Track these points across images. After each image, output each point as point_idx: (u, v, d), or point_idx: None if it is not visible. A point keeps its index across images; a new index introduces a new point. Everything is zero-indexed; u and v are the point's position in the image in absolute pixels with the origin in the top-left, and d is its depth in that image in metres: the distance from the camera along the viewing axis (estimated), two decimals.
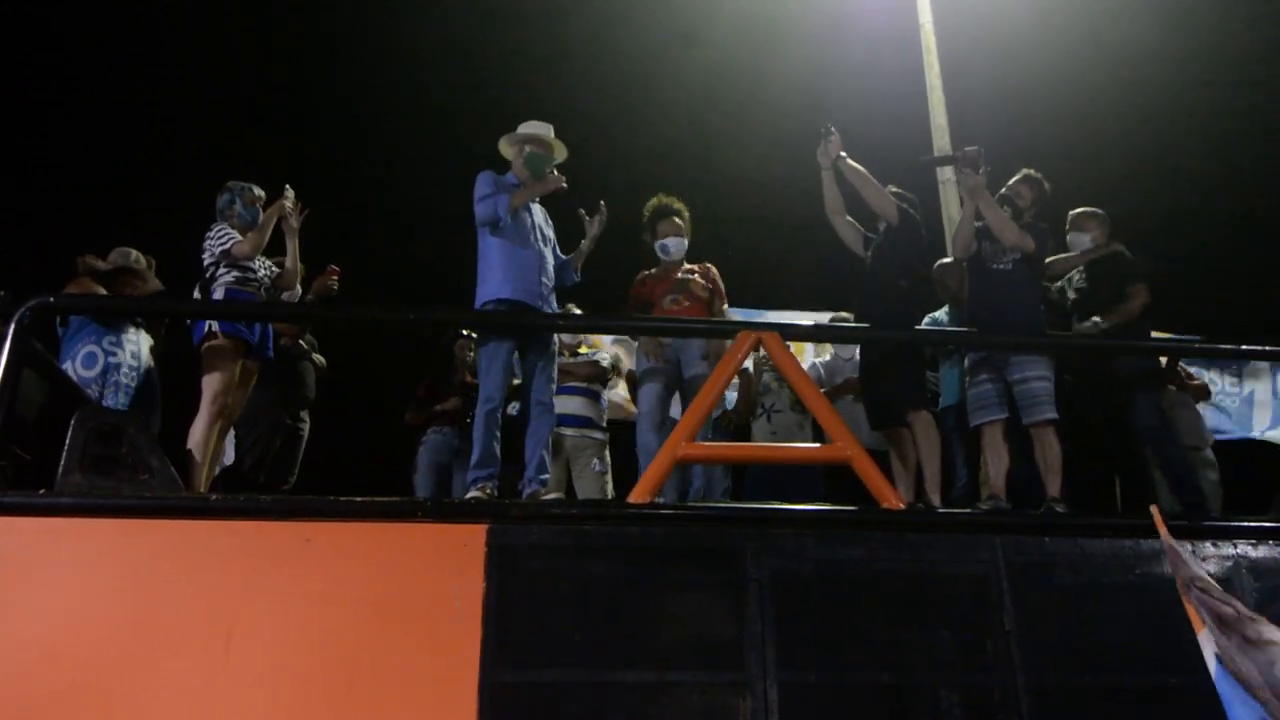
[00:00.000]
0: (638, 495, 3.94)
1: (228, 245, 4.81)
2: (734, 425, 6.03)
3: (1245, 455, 7.25)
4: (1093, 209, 5.28)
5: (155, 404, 4.88)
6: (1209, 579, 3.03)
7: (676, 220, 5.37)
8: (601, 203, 5.03)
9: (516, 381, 4.96)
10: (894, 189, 5.08)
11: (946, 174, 7.44)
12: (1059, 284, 5.34)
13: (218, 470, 5.04)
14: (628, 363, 6.66)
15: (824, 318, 6.24)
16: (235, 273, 4.81)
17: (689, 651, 3.50)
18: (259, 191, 5.02)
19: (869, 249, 5.06)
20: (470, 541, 3.49)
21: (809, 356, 6.92)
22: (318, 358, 5.77)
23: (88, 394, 4.46)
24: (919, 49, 8.42)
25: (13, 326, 3.65)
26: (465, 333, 6.13)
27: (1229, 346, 5.48)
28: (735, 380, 5.74)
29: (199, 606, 3.28)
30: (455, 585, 3.41)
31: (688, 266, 5.39)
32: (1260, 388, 7.66)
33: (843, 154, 4.93)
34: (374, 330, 9.35)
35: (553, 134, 4.94)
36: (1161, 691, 3.53)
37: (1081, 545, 3.80)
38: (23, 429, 3.78)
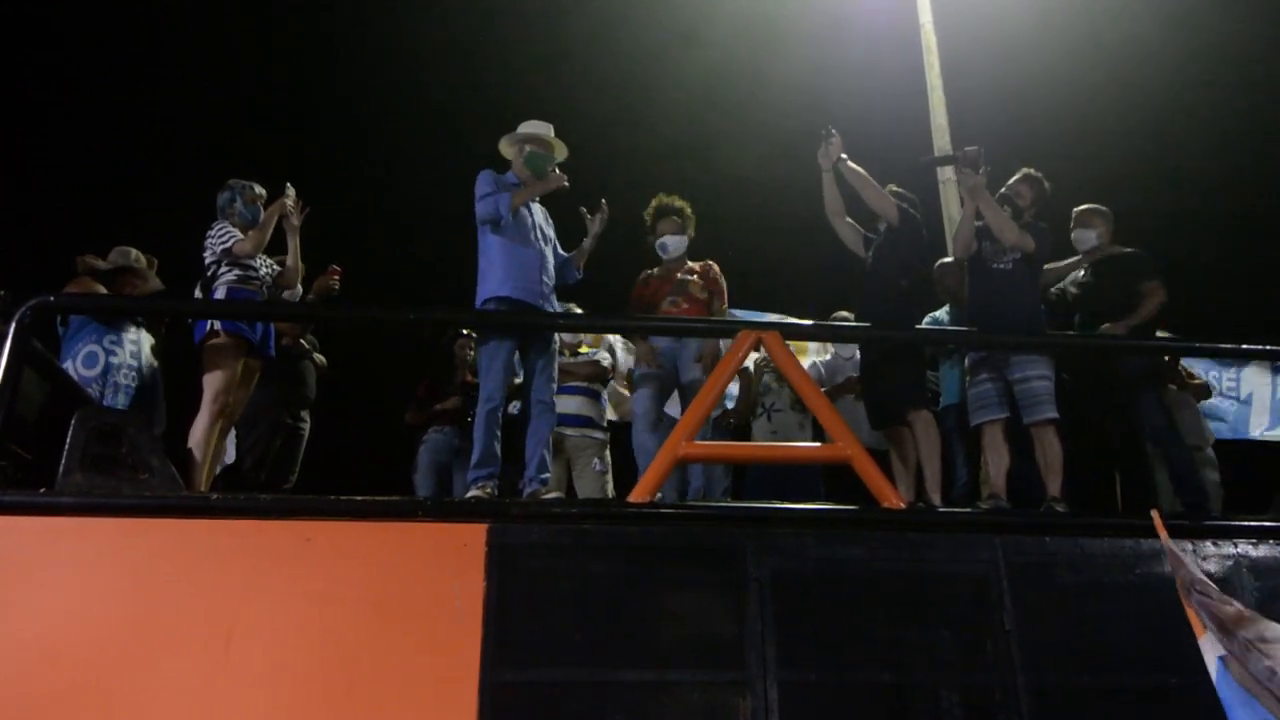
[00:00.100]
0: (638, 494, 3.94)
1: (229, 244, 4.81)
2: (734, 424, 6.04)
3: (1245, 455, 7.24)
4: (1097, 206, 5.26)
5: (158, 403, 4.88)
6: (1209, 582, 3.03)
7: (675, 219, 5.38)
8: (603, 200, 5.03)
9: (517, 380, 4.96)
10: (894, 188, 5.09)
11: (947, 174, 7.44)
12: (1057, 287, 5.34)
13: (218, 469, 5.04)
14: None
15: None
16: (237, 271, 4.81)
17: (689, 651, 3.50)
18: (260, 190, 5.02)
19: (869, 249, 5.06)
20: (471, 541, 3.49)
21: (810, 356, 6.91)
22: (319, 357, 5.78)
23: (88, 393, 4.46)
24: (919, 49, 8.42)
25: (13, 326, 3.65)
26: (465, 332, 6.13)
27: (1229, 346, 5.47)
28: (735, 379, 5.75)
29: (199, 606, 3.28)
30: (456, 584, 3.41)
31: (689, 266, 5.40)
32: (1259, 389, 7.65)
33: (843, 156, 4.94)
34: (374, 330, 9.35)
35: (553, 134, 4.95)
36: (1161, 691, 3.52)
37: (1082, 545, 3.80)
38: (23, 428, 3.78)
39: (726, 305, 5.42)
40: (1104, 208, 5.27)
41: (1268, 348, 5.07)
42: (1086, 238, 5.22)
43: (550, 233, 4.96)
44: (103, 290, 4.82)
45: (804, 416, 5.69)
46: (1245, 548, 3.86)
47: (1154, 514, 3.37)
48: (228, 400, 4.66)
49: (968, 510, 4.59)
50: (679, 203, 5.43)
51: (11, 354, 3.61)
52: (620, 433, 5.95)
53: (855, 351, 5.74)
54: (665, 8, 11.71)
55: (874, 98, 11.40)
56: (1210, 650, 2.84)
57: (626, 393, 6.41)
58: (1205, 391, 6.34)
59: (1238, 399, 7.61)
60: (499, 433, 4.49)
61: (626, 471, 5.54)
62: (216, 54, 16.55)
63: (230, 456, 5.41)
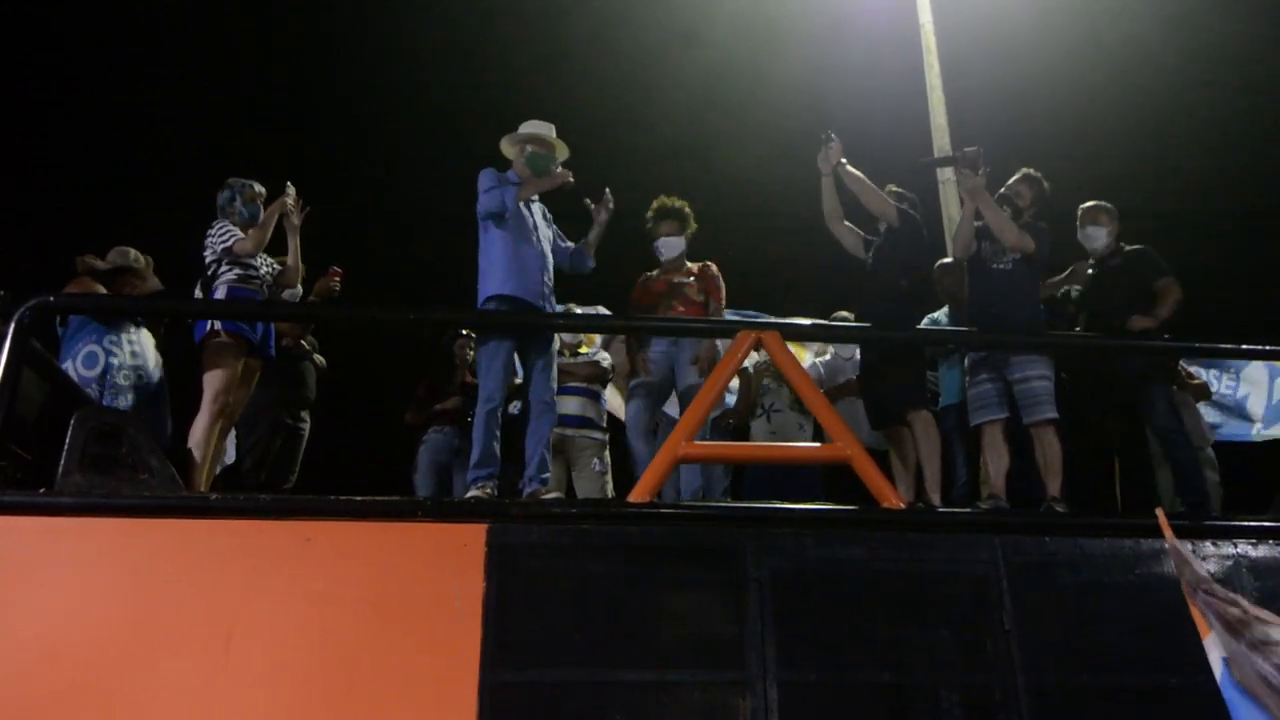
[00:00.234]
0: (638, 495, 3.94)
1: (230, 243, 4.81)
2: (733, 425, 6.04)
3: (1245, 455, 7.24)
4: (1103, 203, 5.22)
5: (164, 401, 4.88)
6: (1215, 582, 3.02)
7: (674, 221, 5.39)
8: (606, 189, 5.03)
9: (517, 380, 4.96)
10: (894, 188, 5.09)
11: (946, 174, 7.44)
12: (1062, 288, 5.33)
13: (218, 469, 5.04)
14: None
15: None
16: (237, 270, 4.81)
17: (689, 651, 3.50)
18: (259, 188, 5.01)
19: (869, 250, 5.06)
20: (470, 541, 3.49)
21: (808, 357, 6.91)
22: (318, 358, 5.77)
23: (88, 394, 4.46)
24: (919, 49, 8.42)
25: (13, 326, 3.65)
26: (465, 332, 6.13)
27: (1229, 346, 5.47)
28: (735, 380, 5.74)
29: (199, 606, 3.28)
30: (455, 585, 3.41)
31: (687, 267, 5.40)
32: (1256, 390, 7.63)
33: (843, 160, 4.94)
34: (374, 330, 9.35)
35: (554, 134, 4.95)
36: (1161, 691, 3.53)
37: (1081, 545, 3.80)
38: (23, 429, 3.77)
39: (724, 305, 5.41)
40: (1110, 205, 5.25)
41: (1267, 348, 5.06)
42: (1097, 235, 5.18)
43: (548, 232, 4.96)
44: (102, 290, 4.81)
45: (803, 417, 5.69)
46: (1245, 548, 3.87)
47: (1159, 513, 3.36)
48: (228, 400, 4.66)
49: (967, 510, 4.59)
50: (678, 204, 5.43)
51: (11, 354, 3.61)
52: (620, 433, 5.96)
53: (855, 352, 5.74)
54: (665, 8, 11.72)
55: (874, 98, 11.42)
56: (1215, 650, 2.83)
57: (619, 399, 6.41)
58: (1205, 392, 6.35)
59: (1236, 400, 7.60)
60: (499, 433, 4.49)
61: (626, 472, 5.54)
62: (216, 54, 16.57)
63: (230, 457, 5.41)
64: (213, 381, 4.60)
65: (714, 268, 5.43)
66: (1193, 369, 6.36)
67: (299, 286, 5.25)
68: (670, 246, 5.37)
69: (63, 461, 3.49)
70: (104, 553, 3.36)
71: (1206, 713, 2.99)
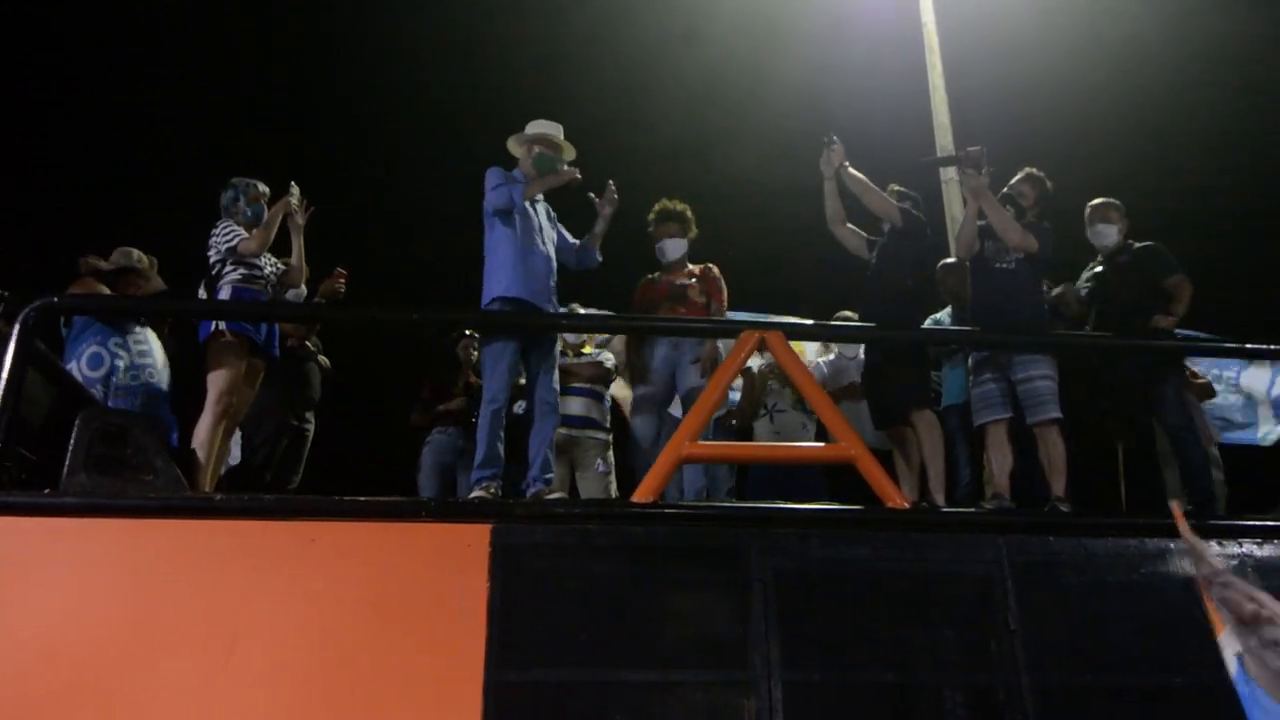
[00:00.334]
0: (641, 495, 3.94)
1: (234, 242, 4.80)
2: (737, 425, 6.03)
3: (1247, 455, 7.24)
4: (1112, 200, 5.20)
5: (169, 402, 4.86)
6: (1233, 575, 2.98)
7: (674, 223, 5.39)
8: (610, 183, 5.03)
9: (522, 381, 4.96)
10: (896, 187, 5.09)
11: (949, 174, 7.45)
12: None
13: (223, 470, 5.04)
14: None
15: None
16: (242, 270, 4.81)
17: (693, 651, 3.51)
18: (263, 188, 5.01)
19: (873, 251, 5.06)
20: (474, 541, 3.49)
21: (810, 357, 6.91)
22: (323, 359, 5.77)
23: (92, 395, 4.46)
24: (921, 48, 8.43)
25: (17, 327, 3.65)
26: (468, 332, 6.13)
27: (1233, 344, 5.47)
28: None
29: (203, 606, 3.28)
30: (459, 585, 3.40)
31: (689, 270, 5.40)
32: (1257, 390, 7.61)
33: (845, 163, 4.93)
34: (376, 331, 9.35)
35: (562, 135, 4.95)
36: (1166, 691, 3.52)
37: (1086, 545, 3.79)
38: (27, 430, 3.77)
39: (725, 307, 5.42)
40: (1118, 202, 5.23)
41: (1269, 347, 5.06)
42: (1107, 232, 5.16)
43: (553, 234, 4.96)
44: (106, 291, 4.81)
45: (807, 417, 5.69)
46: (1250, 547, 3.87)
47: (1173, 506, 3.32)
48: (232, 400, 4.66)
49: (971, 510, 4.60)
50: (680, 206, 5.44)
51: (16, 355, 3.61)
52: (623, 432, 5.95)
53: (860, 352, 5.75)
54: (665, 8, 11.73)
55: (875, 97, 11.41)
56: (1229, 647, 2.81)
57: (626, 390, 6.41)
58: (1209, 391, 6.34)
59: (1240, 401, 7.58)
60: (503, 433, 4.49)
61: (630, 472, 5.54)
62: (216, 54, 16.56)
63: (235, 457, 5.40)
64: (217, 382, 4.60)
65: (715, 270, 5.43)
66: (1196, 368, 6.35)
67: (304, 287, 5.25)
68: (672, 249, 5.37)
69: (67, 462, 3.49)
70: (108, 553, 3.36)
71: (1212, 713, 2.99)
